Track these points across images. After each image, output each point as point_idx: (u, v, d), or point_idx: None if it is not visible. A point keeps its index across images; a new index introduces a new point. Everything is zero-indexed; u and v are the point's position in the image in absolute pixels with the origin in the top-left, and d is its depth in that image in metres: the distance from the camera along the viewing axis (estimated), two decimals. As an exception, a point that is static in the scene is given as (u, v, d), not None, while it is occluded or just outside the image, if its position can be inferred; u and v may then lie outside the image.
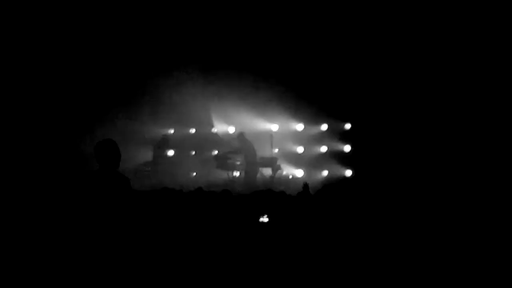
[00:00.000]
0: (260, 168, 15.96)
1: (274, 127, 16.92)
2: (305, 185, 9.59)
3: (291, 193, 9.96)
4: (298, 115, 16.51)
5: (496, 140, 13.48)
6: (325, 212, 8.72)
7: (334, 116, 16.05)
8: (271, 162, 16.15)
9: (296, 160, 16.79)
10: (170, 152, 17.63)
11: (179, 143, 17.78)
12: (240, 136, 15.70)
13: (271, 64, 15.91)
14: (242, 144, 15.69)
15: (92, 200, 6.54)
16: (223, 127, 17.43)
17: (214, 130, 17.58)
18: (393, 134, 14.70)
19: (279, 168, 16.23)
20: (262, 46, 15.91)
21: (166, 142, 17.09)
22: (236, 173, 16.30)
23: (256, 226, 8.23)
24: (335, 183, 14.92)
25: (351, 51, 15.15)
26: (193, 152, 18.15)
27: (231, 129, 17.30)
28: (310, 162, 16.58)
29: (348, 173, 15.91)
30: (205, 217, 8.18)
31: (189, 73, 16.51)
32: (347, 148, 16.12)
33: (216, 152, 17.45)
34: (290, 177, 16.62)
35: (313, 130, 16.63)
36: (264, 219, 8.49)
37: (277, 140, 16.57)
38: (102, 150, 6.62)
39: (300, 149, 16.87)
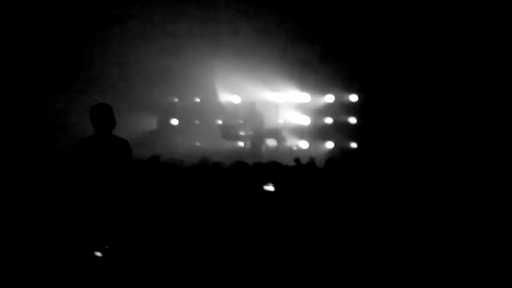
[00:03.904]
0: (265, 139, 15.95)
1: (279, 97, 16.80)
2: (297, 160, 9.58)
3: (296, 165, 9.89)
4: (304, 86, 16.37)
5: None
6: (331, 186, 8.63)
7: (341, 87, 15.92)
8: (276, 133, 16.12)
9: (301, 132, 16.71)
10: (174, 121, 17.55)
11: (184, 112, 17.68)
12: (251, 106, 15.73)
13: (278, 34, 15.74)
14: (250, 115, 15.70)
15: (90, 166, 6.54)
16: (228, 97, 17.32)
17: (219, 99, 17.46)
18: (401, 108, 14.60)
19: (284, 139, 16.18)
20: (269, 14, 15.71)
21: (171, 111, 17.01)
22: (241, 143, 16.29)
23: (261, 197, 8.14)
24: (340, 156, 14.80)
25: (360, 21, 14.97)
26: (198, 122, 18.04)
27: (236, 99, 17.19)
28: (315, 133, 16.49)
29: (353, 145, 15.83)
30: (211, 189, 8.10)
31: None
32: (353, 120, 16.02)
33: (220, 121, 17.36)
34: (295, 148, 16.55)
35: (319, 101, 16.51)
36: (270, 187, 8.41)
37: (282, 111, 16.51)
38: (95, 113, 6.67)
39: (305, 121, 16.75)
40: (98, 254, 6.48)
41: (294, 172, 9.38)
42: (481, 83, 13.72)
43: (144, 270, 6.96)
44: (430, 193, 8.74)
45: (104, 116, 6.70)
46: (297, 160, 9.87)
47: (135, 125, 15.67)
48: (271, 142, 16.14)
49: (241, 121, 16.09)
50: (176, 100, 18.01)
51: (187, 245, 7.39)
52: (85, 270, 6.50)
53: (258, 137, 15.78)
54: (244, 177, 8.59)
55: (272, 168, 9.23)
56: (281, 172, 9.07)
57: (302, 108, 16.72)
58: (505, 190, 8.63)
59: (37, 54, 15.97)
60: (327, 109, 16.39)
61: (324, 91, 16.24)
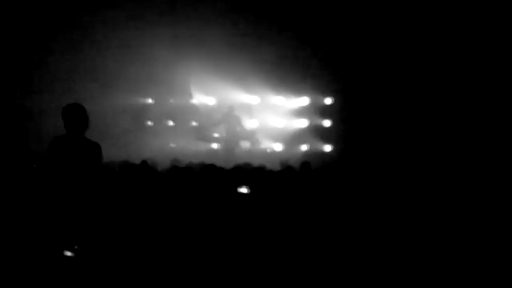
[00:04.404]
0: (239, 141, 15.96)
1: (254, 99, 16.79)
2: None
3: (270, 167, 9.89)
4: (279, 88, 16.38)
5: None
6: (305, 188, 8.63)
7: (315, 90, 15.97)
8: (250, 135, 16.13)
9: (276, 134, 16.71)
10: (149, 122, 17.46)
11: (158, 114, 17.60)
12: (228, 109, 15.78)
13: (253, 36, 15.74)
14: (226, 117, 15.71)
15: (60, 165, 6.50)
16: (203, 98, 17.26)
17: (193, 101, 17.39)
18: (377, 111, 14.69)
19: (258, 141, 16.20)
20: (244, 16, 15.71)
21: (144, 112, 16.93)
22: (215, 145, 16.30)
23: (236, 199, 8.12)
24: (315, 159, 14.84)
25: (336, 23, 15.02)
26: (172, 123, 17.96)
27: (211, 101, 17.15)
28: (290, 136, 16.51)
29: (328, 148, 15.91)
30: (183, 192, 8.05)
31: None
32: (327, 123, 16.09)
33: (195, 123, 17.31)
34: (269, 150, 16.55)
35: (294, 103, 16.54)
36: (244, 189, 8.39)
37: (256, 113, 16.51)
38: (67, 114, 6.63)
39: (280, 123, 16.76)
40: (68, 253, 6.43)
41: (268, 175, 9.37)
42: (463, 82, 13.86)
43: (114, 271, 6.90)
44: (410, 194, 8.77)
45: (76, 117, 6.65)
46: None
47: (108, 126, 15.55)
48: (245, 144, 16.15)
49: (215, 123, 16.14)
50: (151, 101, 17.91)
51: (159, 247, 7.34)
52: (56, 270, 6.44)
53: (232, 139, 15.80)
54: (218, 180, 8.55)
55: (246, 170, 9.21)
56: (254, 175, 9.05)
57: (277, 110, 16.73)
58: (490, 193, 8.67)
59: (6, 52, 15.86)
60: (301, 112, 16.42)
61: (299, 93, 16.27)
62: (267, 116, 16.78)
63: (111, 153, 7.64)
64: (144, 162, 9.52)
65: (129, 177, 8.54)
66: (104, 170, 7.05)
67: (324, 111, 16.10)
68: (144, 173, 8.76)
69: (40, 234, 6.81)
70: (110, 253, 6.97)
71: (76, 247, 6.44)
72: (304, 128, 16.43)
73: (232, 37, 15.73)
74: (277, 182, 8.87)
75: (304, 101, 16.37)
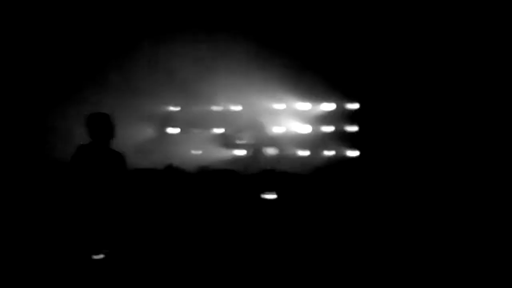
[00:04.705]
0: (265, 148, 16.01)
1: (280, 106, 16.79)
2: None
3: (297, 172, 9.91)
4: (305, 94, 16.36)
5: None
6: (331, 192, 8.60)
7: (342, 96, 15.93)
8: (277, 142, 16.17)
9: (302, 140, 16.69)
10: (174, 130, 17.53)
11: (183, 121, 17.66)
12: (253, 115, 15.86)
13: (279, 42, 15.75)
14: (251, 124, 15.78)
15: (84, 174, 6.52)
16: (229, 105, 17.29)
17: (219, 108, 17.43)
18: (403, 116, 14.61)
19: (284, 148, 16.22)
20: (270, 21, 15.72)
21: (171, 120, 17.00)
22: (242, 152, 16.35)
23: (262, 205, 8.11)
24: (340, 163, 14.81)
25: (357, 27, 14.98)
26: (198, 130, 18.00)
27: (237, 107, 17.19)
28: (316, 142, 16.48)
29: (354, 154, 15.83)
30: (210, 197, 8.05)
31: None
32: (354, 128, 16.03)
33: (221, 130, 17.35)
34: (295, 156, 16.54)
35: (320, 109, 16.51)
36: (271, 195, 8.38)
37: (282, 119, 16.51)
38: (92, 123, 6.64)
39: (306, 129, 16.74)
40: (97, 257, 6.45)
41: (295, 180, 9.36)
42: (480, 84, 13.74)
43: (139, 274, 6.91)
44: (433, 198, 8.71)
45: (100, 126, 6.64)
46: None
47: (134, 134, 15.65)
48: (271, 151, 16.19)
49: (242, 130, 16.21)
50: (177, 108, 17.98)
51: (183, 250, 7.35)
52: (83, 274, 6.47)
53: (259, 146, 15.88)
54: (245, 185, 8.55)
55: (273, 176, 9.22)
56: (282, 180, 9.06)
57: (303, 116, 16.71)
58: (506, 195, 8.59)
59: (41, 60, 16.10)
60: (327, 117, 16.38)
61: (324, 99, 16.24)
62: (292, 122, 16.77)
63: (136, 161, 7.67)
64: (169, 167, 9.55)
65: (156, 181, 8.57)
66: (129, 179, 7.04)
67: (350, 117, 16.05)
68: (171, 177, 8.78)
69: (64, 240, 6.85)
70: (136, 257, 6.99)
71: (104, 250, 6.46)
72: (330, 133, 16.39)
73: (257, 43, 15.74)
74: (305, 186, 8.86)
75: (330, 106, 16.34)
